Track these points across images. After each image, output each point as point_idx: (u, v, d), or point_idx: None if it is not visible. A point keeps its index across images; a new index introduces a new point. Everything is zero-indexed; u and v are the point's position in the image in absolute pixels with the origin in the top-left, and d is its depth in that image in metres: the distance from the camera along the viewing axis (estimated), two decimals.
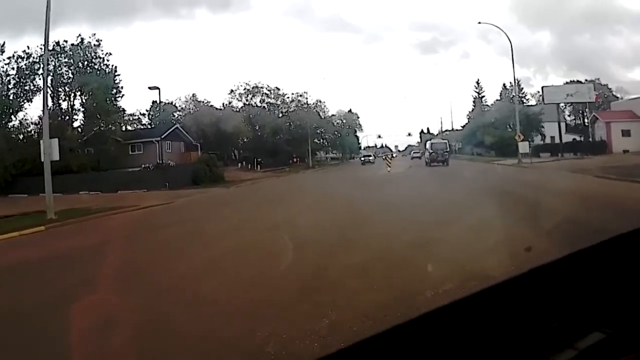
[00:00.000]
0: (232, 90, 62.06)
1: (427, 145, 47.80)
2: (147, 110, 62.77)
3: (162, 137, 49.03)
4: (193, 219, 17.95)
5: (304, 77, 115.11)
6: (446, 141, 48.72)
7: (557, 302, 1.26)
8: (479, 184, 21.56)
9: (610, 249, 1.33)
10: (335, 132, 74.70)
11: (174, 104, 62.86)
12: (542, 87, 49.49)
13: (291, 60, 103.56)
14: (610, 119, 48.53)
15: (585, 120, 65.81)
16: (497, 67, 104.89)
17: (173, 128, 51.80)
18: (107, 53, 53.19)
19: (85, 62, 52.69)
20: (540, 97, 71.21)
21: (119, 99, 54.97)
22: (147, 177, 40.24)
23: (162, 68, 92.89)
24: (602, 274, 1.30)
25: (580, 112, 64.58)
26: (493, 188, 19.97)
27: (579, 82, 55.43)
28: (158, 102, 40.32)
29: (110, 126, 51.43)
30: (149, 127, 53.57)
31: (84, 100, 52.66)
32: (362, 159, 69.13)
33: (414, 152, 72.83)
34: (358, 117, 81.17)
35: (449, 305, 1.19)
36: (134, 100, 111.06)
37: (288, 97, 63.50)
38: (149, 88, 42.27)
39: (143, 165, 42.37)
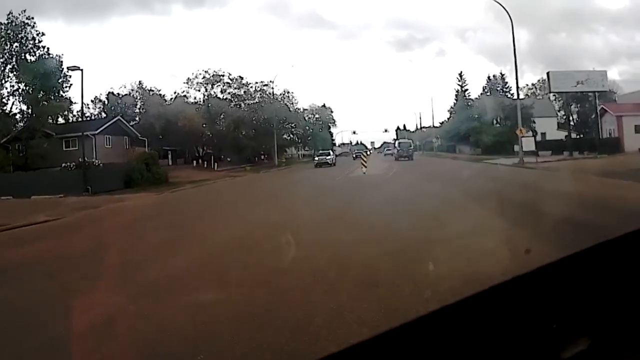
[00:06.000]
0: (188, 79, 52.91)
1: (396, 145, 58.97)
2: (100, 101, 54.19)
3: (100, 130, 40.15)
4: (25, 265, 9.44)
5: (276, 72, 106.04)
6: (410, 141, 58.76)
7: (559, 303, 1.18)
8: (512, 208, 12.51)
9: (613, 250, 1.24)
10: (307, 127, 66.37)
11: (131, 95, 54.03)
12: (548, 73, 40.54)
13: (264, 57, 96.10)
14: (622, 112, 40.35)
15: (574, 116, 58.36)
16: (473, 66, 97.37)
17: (113, 120, 42.96)
18: (39, 33, 43.67)
19: (16, 44, 43.39)
20: (529, 91, 64.10)
21: (66, 88, 46.01)
22: (69, 179, 31.43)
23: (123, 60, 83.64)
24: (597, 277, 1.21)
25: (571, 105, 56.85)
26: (539, 212, 11.23)
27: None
28: (81, 86, 30.86)
29: (45, 118, 42.46)
30: (88, 119, 44.31)
31: (18, 89, 43.92)
32: (317, 159, 50.41)
33: (386, 150, 73.10)
34: (332, 112, 73.23)
35: (443, 308, 1.14)
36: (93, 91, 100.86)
37: (252, 87, 54.54)
38: (69, 68, 33.02)
39: (63, 165, 33.49)
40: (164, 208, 20.83)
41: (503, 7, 33.46)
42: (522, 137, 30.45)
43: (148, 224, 15.04)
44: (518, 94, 37.11)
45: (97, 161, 35.05)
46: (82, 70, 30.49)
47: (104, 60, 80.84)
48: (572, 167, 25.80)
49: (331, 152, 53.78)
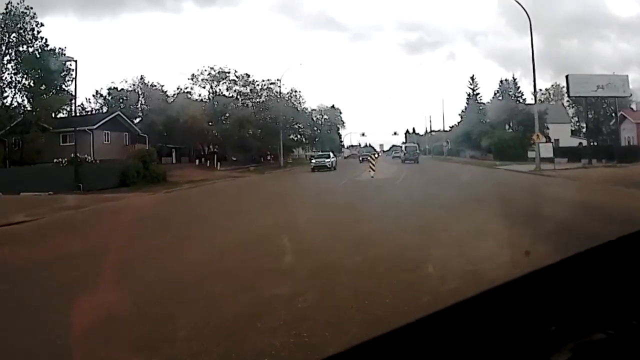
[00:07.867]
0: (193, 75, 50.75)
1: (403, 148, 62.33)
2: (101, 96, 52.24)
3: (98, 125, 38.30)
4: None
5: (285, 71, 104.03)
6: (417, 145, 61.40)
7: (557, 305, 1.17)
8: (559, 232, 9.54)
9: (610, 252, 1.24)
10: (315, 128, 64.29)
11: (135, 90, 52.03)
12: (567, 76, 38.18)
13: (273, 57, 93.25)
14: None
15: (588, 123, 56.02)
16: (484, 70, 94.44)
17: (112, 115, 41.05)
18: (38, 24, 41.73)
19: (13, 34, 41.53)
20: (542, 96, 61.64)
21: (68, 82, 44.11)
22: (62, 176, 29.59)
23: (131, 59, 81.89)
24: (603, 277, 1.21)
25: (585, 112, 54.51)
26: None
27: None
28: (74, 76, 29.02)
29: (44, 111, 40.54)
30: (88, 113, 42.47)
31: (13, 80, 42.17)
32: (313, 162, 43.96)
33: (394, 153, 72.33)
34: (341, 113, 71.05)
35: (447, 308, 1.13)
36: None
37: (259, 85, 52.40)
38: (63, 60, 31.13)
39: (55, 160, 31.71)
40: (150, 212, 18.88)
41: (522, 7, 31.32)
42: (539, 143, 28.34)
43: (122, 233, 13.06)
44: (536, 99, 34.88)
45: (90, 157, 33.16)
46: (76, 61, 28.70)
47: (115, 56, 79.08)
48: (596, 176, 23.45)
49: (331, 154, 46.93)
